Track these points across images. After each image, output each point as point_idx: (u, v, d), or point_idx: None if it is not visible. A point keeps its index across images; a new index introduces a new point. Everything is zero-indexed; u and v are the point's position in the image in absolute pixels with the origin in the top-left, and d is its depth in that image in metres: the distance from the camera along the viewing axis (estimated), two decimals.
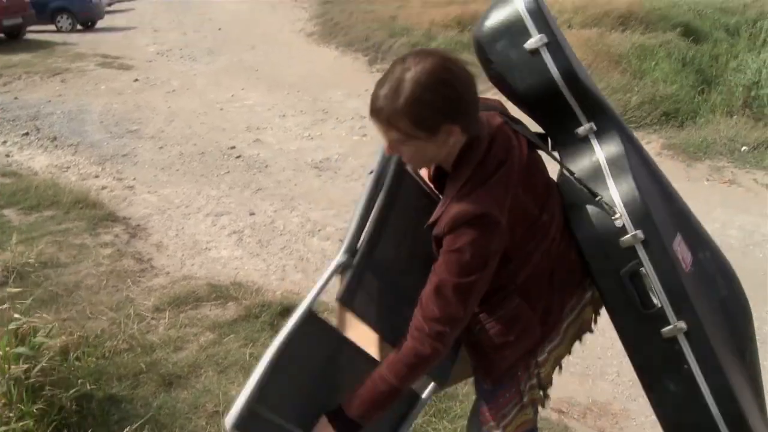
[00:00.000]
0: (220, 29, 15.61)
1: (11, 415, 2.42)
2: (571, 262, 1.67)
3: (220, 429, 2.65)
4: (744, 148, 6.16)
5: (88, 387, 2.78)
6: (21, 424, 2.40)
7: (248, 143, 7.16)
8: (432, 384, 1.74)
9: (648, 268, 1.57)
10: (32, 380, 2.51)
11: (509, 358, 1.67)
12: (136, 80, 10.54)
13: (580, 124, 1.68)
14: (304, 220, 5.07)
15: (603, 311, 1.75)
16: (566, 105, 1.66)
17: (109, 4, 21.64)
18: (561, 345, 1.73)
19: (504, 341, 1.63)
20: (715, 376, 1.57)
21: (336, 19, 13.82)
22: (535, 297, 1.63)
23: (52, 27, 17.12)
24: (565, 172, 1.67)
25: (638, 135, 6.73)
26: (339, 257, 1.53)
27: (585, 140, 1.68)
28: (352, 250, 1.54)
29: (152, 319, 3.53)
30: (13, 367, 2.48)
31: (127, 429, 2.59)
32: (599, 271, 1.63)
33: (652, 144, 6.53)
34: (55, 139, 7.52)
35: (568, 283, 1.69)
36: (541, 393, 1.76)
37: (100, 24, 18.09)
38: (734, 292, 1.79)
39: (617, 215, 1.58)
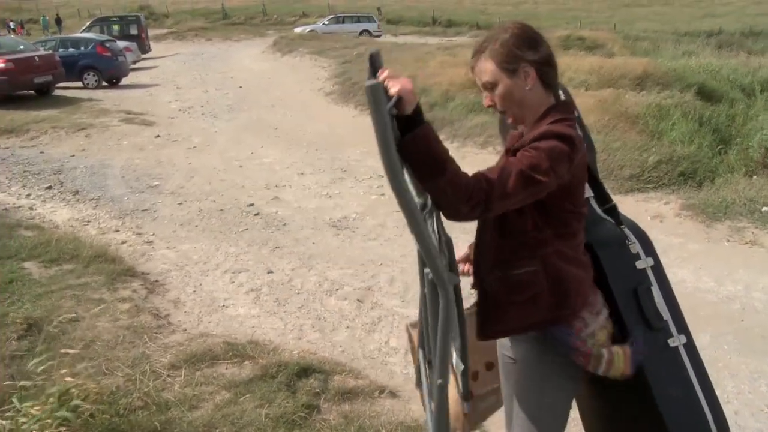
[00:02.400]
0: (240, 87, 15.96)
1: None
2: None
3: None
4: (765, 208, 6.09)
5: None
6: None
7: (267, 201, 7.22)
8: None
9: (656, 289, 1.86)
10: None
11: (509, 321, 1.79)
12: (158, 136, 10.75)
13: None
14: (322, 279, 5.06)
15: None
16: None
17: (134, 62, 22.25)
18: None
19: (509, 300, 1.76)
20: (705, 382, 1.87)
21: (355, 78, 14.05)
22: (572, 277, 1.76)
23: (80, 84, 17.68)
24: (598, 205, 1.95)
25: (656, 195, 6.79)
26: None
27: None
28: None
29: (168, 376, 3.50)
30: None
31: None
32: (620, 290, 1.85)
33: (670, 204, 6.49)
34: (77, 193, 7.65)
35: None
36: None
37: (124, 81, 18.65)
38: None
39: (633, 242, 1.89)
